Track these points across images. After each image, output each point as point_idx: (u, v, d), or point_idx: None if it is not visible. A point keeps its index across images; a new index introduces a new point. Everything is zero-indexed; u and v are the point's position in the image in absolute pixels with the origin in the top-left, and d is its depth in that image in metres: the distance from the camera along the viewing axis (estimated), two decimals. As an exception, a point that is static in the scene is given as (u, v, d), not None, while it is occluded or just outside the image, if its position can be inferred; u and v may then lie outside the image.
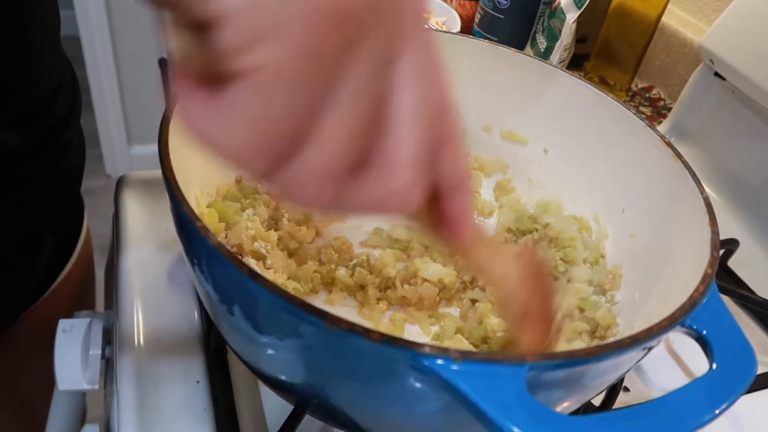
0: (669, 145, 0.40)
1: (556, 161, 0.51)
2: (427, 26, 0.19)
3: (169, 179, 0.30)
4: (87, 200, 0.72)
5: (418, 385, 0.25)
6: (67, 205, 0.60)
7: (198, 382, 0.41)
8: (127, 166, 1.96)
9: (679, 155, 0.39)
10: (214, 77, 0.16)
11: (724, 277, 0.57)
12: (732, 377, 0.25)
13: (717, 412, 0.24)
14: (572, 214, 0.49)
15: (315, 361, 0.28)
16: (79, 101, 0.56)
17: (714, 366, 0.26)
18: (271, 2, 0.14)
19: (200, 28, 0.15)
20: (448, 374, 0.24)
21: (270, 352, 0.30)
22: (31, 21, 0.41)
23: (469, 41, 0.50)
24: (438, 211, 0.24)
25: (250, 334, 0.29)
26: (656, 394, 0.45)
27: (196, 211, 0.34)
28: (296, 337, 0.26)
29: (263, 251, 0.41)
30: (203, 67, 0.16)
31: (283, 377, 0.31)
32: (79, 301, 0.66)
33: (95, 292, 0.74)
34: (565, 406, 0.31)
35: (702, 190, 0.36)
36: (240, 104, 0.15)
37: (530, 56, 0.49)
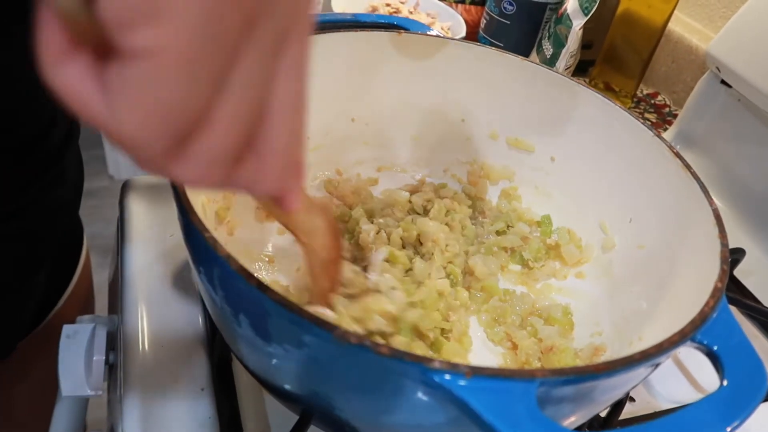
0: (678, 155, 0.40)
1: (562, 169, 0.50)
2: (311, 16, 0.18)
3: (178, 188, 0.29)
4: (89, 201, 0.72)
5: (426, 399, 0.25)
6: (62, 233, 0.59)
7: (202, 389, 0.41)
8: (129, 167, 1.96)
9: (687, 166, 0.39)
10: (103, 44, 0.13)
11: (730, 287, 0.56)
12: (743, 394, 0.25)
13: (728, 430, 0.24)
14: (563, 226, 0.50)
15: (322, 373, 0.27)
16: (77, 127, 0.55)
17: (725, 383, 0.26)
18: None
19: None
20: (457, 390, 0.23)
21: (276, 362, 0.30)
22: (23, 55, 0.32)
23: (475, 48, 0.50)
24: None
25: (257, 344, 0.29)
26: (662, 404, 0.45)
27: (204, 219, 0.34)
28: (304, 349, 0.26)
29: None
30: (91, 30, 0.13)
31: (289, 387, 0.31)
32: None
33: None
34: (573, 420, 0.30)
35: (711, 202, 0.36)
36: (134, 86, 0.13)
37: (537, 64, 0.49)
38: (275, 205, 0.27)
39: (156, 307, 0.46)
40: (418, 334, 0.41)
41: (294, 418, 0.35)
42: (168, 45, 0.12)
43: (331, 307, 0.39)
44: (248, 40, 0.14)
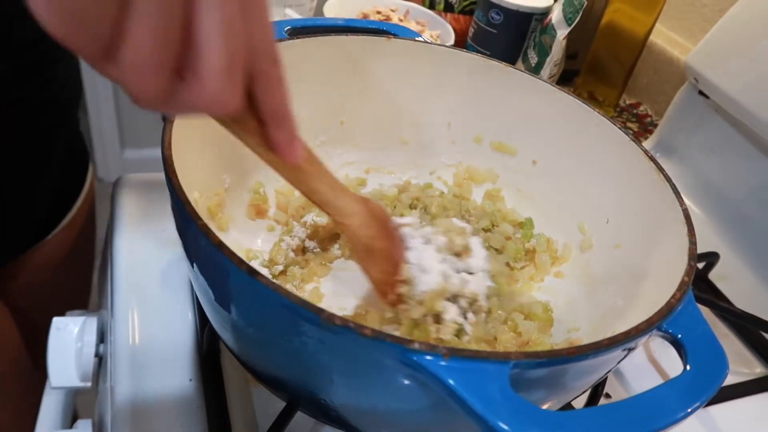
0: (651, 159, 0.42)
1: (543, 172, 0.52)
2: None
3: (172, 180, 0.31)
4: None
5: (407, 379, 0.26)
6: (66, 134, 0.63)
7: (191, 380, 0.42)
8: (119, 169, 1.96)
9: (661, 169, 0.41)
10: None
11: (704, 289, 0.58)
12: (705, 378, 0.27)
13: (689, 410, 0.25)
14: (542, 233, 0.52)
15: (309, 357, 0.29)
16: None
17: (688, 367, 0.28)
18: None
19: None
20: (436, 369, 0.25)
21: (265, 347, 0.31)
22: None
23: (463, 54, 0.51)
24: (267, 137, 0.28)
25: (247, 330, 0.31)
26: (637, 400, 0.47)
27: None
28: (292, 332, 0.27)
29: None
30: None
31: (277, 373, 0.32)
32: (79, 251, 0.71)
33: (95, 250, 0.77)
34: (547, 407, 0.32)
35: (681, 203, 0.38)
36: None
37: (522, 71, 0.51)
38: (273, 155, 0.29)
39: (147, 301, 0.47)
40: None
41: (279, 408, 0.36)
42: None
43: (390, 302, 0.40)
44: None
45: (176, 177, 0.31)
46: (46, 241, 0.64)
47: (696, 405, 0.26)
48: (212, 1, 0.21)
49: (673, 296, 0.31)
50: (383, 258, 0.40)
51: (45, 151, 0.60)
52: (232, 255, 0.27)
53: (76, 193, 0.68)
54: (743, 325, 0.54)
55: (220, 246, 0.28)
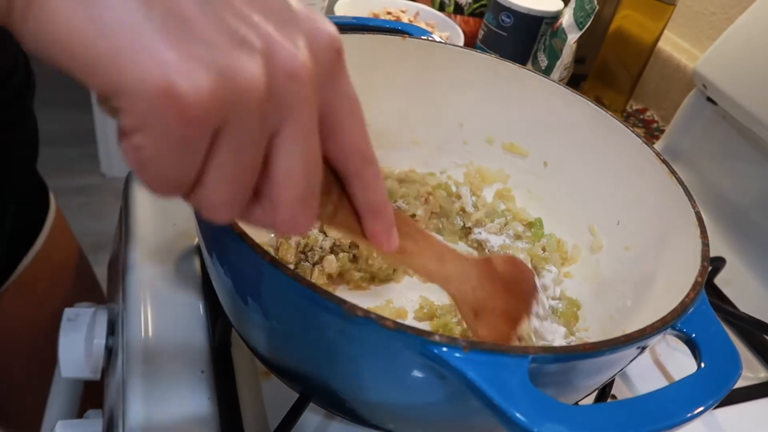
0: (664, 162, 0.42)
1: (554, 174, 0.53)
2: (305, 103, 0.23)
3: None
4: (80, 197, 0.72)
5: (426, 371, 0.27)
6: (23, 189, 0.62)
7: (203, 372, 0.42)
8: (122, 165, 1.96)
9: (673, 172, 0.41)
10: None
11: (710, 293, 0.59)
12: (719, 375, 0.27)
13: (706, 406, 0.26)
14: (553, 233, 0.52)
15: (328, 349, 0.29)
16: (32, 84, 0.60)
17: (702, 365, 0.28)
18: (144, 110, 0.19)
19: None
20: (456, 362, 0.25)
21: (283, 339, 0.31)
22: None
23: (477, 55, 0.52)
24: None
25: (266, 321, 0.31)
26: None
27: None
28: (313, 324, 0.28)
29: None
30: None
31: (294, 365, 0.33)
32: (58, 292, 0.68)
33: (90, 283, 0.75)
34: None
35: (694, 205, 0.38)
36: (140, 157, 0.21)
37: (533, 71, 0.51)
38: (378, 249, 0.31)
39: (159, 295, 0.47)
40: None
41: (289, 401, 0.37)
42: (144, 143, 0.20)
43: None
44: (222, 134, 0.21)
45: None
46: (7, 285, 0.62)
47: (712, 401, 0.26)
48: (291, 138, 0.22)
49: (687, 296, 0.31)
50: (496, 317, 0.38)
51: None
52: (256, 246, 0.27)
53: (35, 231, 0.65)
54: (748, 329, 0.55)
55: (244, 237, 0.28)
